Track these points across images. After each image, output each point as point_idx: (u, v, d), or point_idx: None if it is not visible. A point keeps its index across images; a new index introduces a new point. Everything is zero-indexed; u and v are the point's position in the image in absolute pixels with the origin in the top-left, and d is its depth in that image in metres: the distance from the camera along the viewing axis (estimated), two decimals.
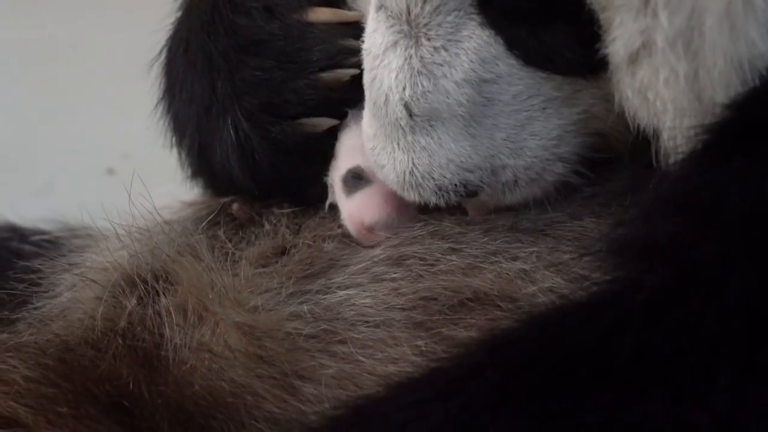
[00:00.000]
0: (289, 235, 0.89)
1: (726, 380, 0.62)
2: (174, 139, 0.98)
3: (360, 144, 0.86)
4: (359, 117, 0.86)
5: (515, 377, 0.65)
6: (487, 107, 0.80)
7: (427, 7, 0.79)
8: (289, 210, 0.91)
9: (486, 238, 0.83)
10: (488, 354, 0.68)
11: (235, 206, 0.92)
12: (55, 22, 2.29)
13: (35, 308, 0.88)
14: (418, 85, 0.79)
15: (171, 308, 0.81)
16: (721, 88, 0.70)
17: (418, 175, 0.81)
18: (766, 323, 0.62)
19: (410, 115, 0.80)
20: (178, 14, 0.99)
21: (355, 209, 0.86)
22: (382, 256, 0.84)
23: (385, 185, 0.84)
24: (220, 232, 0.89)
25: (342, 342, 0.79)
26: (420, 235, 0.85)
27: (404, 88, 0.79)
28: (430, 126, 0.80)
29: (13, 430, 0.78)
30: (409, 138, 0.80)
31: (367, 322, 0.80)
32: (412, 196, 0.82)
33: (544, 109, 0.81)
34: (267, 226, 0.90)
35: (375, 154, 0.83)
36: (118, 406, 0.78)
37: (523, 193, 0.82)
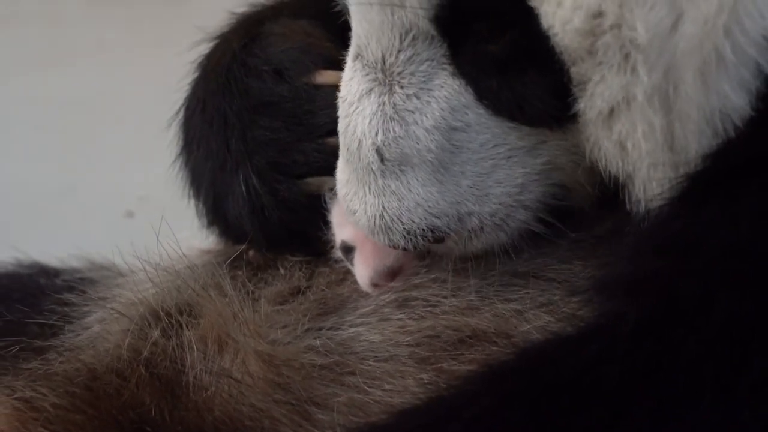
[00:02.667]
0: (304, 278, 0.91)
1: (709, 400, 0.64)
2: (191, 191, 1.00)
3: (339, 217, 0.89)
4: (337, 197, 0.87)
5: (508, 403, 0.67)
6: (455, 154, 0.80)
7: (402, 57, 0.79)
8: (301, 258, 0.92)
9: (482, 282, 0.85)
10: (484, 383, 0.70)
11: (251, 253, 0.94)
12: (77, 78, 2.36)
13: (66, 339, 0.90)
14: (390, 131, 0.79)
15: (193, 339, 0.83)
16: (695, 138, 0.72)
17: (387, 218, 0.81)
18: (745, 349, 0.65)
19: (382, 159, 0.80)
20: (195, 76, 1.01)
21: (357, 276, 0.88)
22: (389, 299, 0.87)
23: (367, 246, 0.86)
24: (240, 273, 0.91)
25: (352, 373, 0.81)
26: (423, 281, 0.87)
27: (377, 133, 0.79)
28: (401, 171, 0.80)
29: None
30: (380, 182, 0.80)
31: (376, 356, 0.82)
32: (381, 240, 0.82)
33: (509, 157, 0.81)
34: (282, 271, 0.91)
35: (347, 200, 0.83)
36: None
37: (488, 239, 0.82)
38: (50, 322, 0.93)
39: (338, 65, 0.89)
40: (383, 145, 0.80)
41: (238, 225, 0.94)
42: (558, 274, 0.83)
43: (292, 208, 0.91)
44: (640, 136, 0.73)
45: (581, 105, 0.76)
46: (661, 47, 0.71)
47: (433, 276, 0.87)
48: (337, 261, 0.92)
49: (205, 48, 1.02)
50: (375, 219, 0.81)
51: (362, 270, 0.88)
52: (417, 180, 0.80)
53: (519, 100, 0.78)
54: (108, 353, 0.86)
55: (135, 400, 0.82)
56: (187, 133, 1.00)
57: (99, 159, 1.96)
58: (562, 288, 0.82)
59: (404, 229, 0.81)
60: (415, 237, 0.81)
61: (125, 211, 1.72)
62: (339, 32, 0.88)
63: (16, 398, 0.83)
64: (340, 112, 0.83)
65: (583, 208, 0.84)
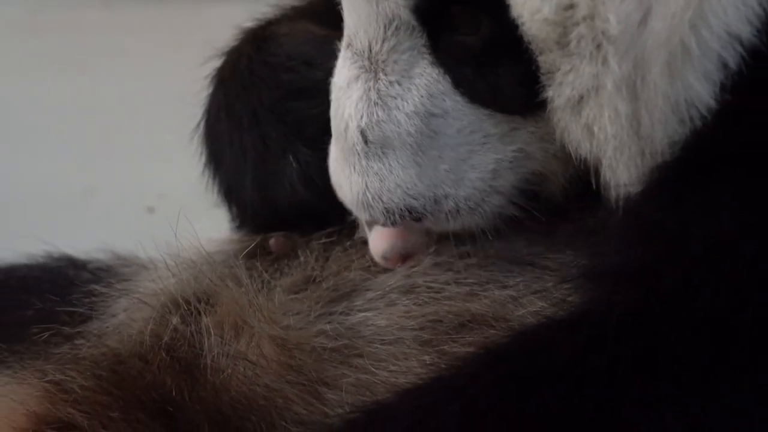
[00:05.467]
0: (318, 266, 0.92)
1: (693, 386, 0.65)
2: (229, 197, 1.00)
3: None
4: None
5: (504, 384, 0.69)
6: (433, 139, 0.82)
7: (386, 46, 0.81)
8: (321, 242, 0.93)
9: (481, 270, 0.87)
10: (481, 364, 0.72)
11: (272, 241, 0.95)
12: (98, 82, 2.38)
13: (93, 326, 0.92)
14: (373, 115, 0.81)
15: (210, 325, 0.85)
16: (660, 125, 0.73)
17: (369, 197, 0.83)
18: (727, 337, 0.67)
19: (365, 141, 0.82)
20: (211, 88, 1.02)
21: (372, 243, 0.90)
22: (395, 285, 0.88)
23: None
24: (257, 264, 0.92)
25: (360, 356, 0.83)
26: (427, 268, 0.89)
27: (362, 117, 0.81)
28: (383, 153, 0.82)
29: None
30: (364, 163, 0.82)
31: (382, 339, 0.84)
32: (363, 216, 0.85)
33: (483, 144, 0.82)
34: (301, 258, 0.93)
35: (336, 175, 0.86)
36: (163, 411, 0.81)
37: (464, 221, 0.84)
38: (78, 310, 0.95)
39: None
40: (367, 127, 0.82)
41: (293, 203, 0.94)
42: (552, 262, 0.85)
43: None
44: (607, 122, 0.74)
45: (549, 93, 0.77)
46: (632, 39, 0.72)
47: (436, 264, 0.88)
48: (351, 245, 0.92)
49: (216, 62, 1.04)
50: (358, 196, 0.83)
51: (380, 242, 0.89)
52: (398, 162, 0.82)
53: (492, 88, 0.80)
54: (131, 339, 0.89)
55: (157, 381, 0.83)
56: (212, 143, 1.01)
57: (120, 159, 1.99)
58: (555, 275, 0.83)
59: (384, 207, 0.83)
60: (394, 215, 0.83)
61: (146, 208, 1.74)
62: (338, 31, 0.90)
63: (47, 381, 0.85)
64: (332, 96, 0.85)
65: (556, 196, 0.86)
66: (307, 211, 0.94)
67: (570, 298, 0.75)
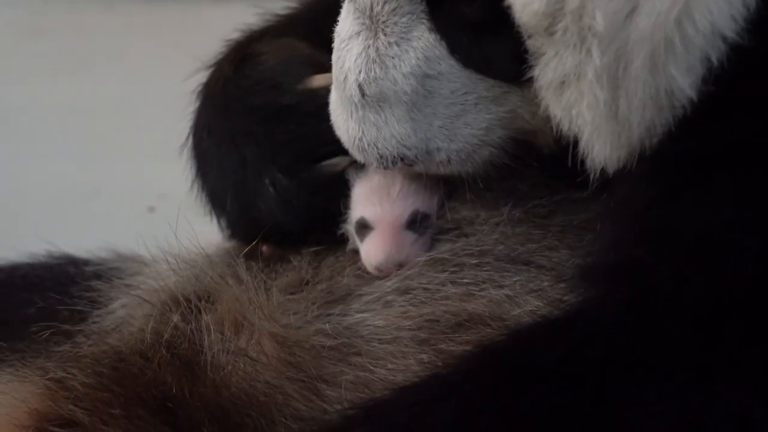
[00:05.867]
0: (311, 270, 0.93)
1: (683, 377, 0.66)
2: (214, 210, 1.02)
3: (363, 194, 0.91)
4: (364, 173, 0.92)
5: (499, 381, 0.70)
6: (428, 98, 0.85)
7: (386, 8, 0.84)
8: (311, 250, 0.95)
9: (477, 270, 0.87)
10: (478, 363, 0.73)
11: (264, 248, 0.96)
12: (101, 84, 2.39)
13: (93, 323, 0.93)
14: (371, 71, 0.84)
15: (211, 322, 0.86)
16: (638, 112, 0.75)
17: (365, 142, 0.86)
18: (718, 331, 0.67)
19: (363, 95, 0.85)
20: (196, 104, 1.03)
21: (365, 254, 0.91)
22: (392, 287, 0.89)
23: (387, 232, 0.89)
24: (254, 264, 0.93)
25: (358, 354, 0.84)
26: (423, 269, 0.89)
27: (360, 72, 0.84)
28: (379, 106, 0.85)
29: (72, 429, 0.82)
30: (360, 113, 0.85)
31: (380, 338, 0.85)
32: (359, 157, 0.88)
33: (476, 104, 0.85)
34: (294, 262, 0.94)
35: (335, 117, 0.88)
36: (164, 408, 0.82)
37: (455, 169, 0.88)
38: (79, 308, 0.95)
39: (325, 68, 0.93)
40: (365, 83, 0.85)
41: (271, 223, 0.96)
42: (547, 261, 0.85)
43: (316, 190, 0.94)
44: (585, 107, 0.77)
45: (536, 72, 0.80)
46: (616, 34, 0.74)
47: (431, 263, 0.89)
48: (344, 254, 0.93)
49: (202, 76, 1.05)
50: (355, 140, 0.87)
51: (374, 252, 0.90)
52: (393, 116, 0.85)
53: (486, 57, 0.83)
54: (132, 336, 0.89)
55: (158, 378, 0.84)
56: (198, 159, 1.03)
57: (122, 160, 2.00)
58: (550, 275, 0.84)
59: (378, 153, 0.86)
60: (387, 161, 0.86)
61: (147, 207, 1.76)
62: (324, 45, 0.92)
63: (48, 379, 0.85)
64: (335, 45, 0.88)
65: (546, 148, 0.88)
66: (287, 231, 0.96)
67: (566, 298, 0.77)
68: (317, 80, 0.96)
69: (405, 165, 0.87)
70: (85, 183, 1.91)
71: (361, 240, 0.91)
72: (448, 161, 0.87)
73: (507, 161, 0.88)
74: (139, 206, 1.76)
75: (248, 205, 0.97)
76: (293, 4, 1.10)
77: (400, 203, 0.90)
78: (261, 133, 0.96)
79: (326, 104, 0.92)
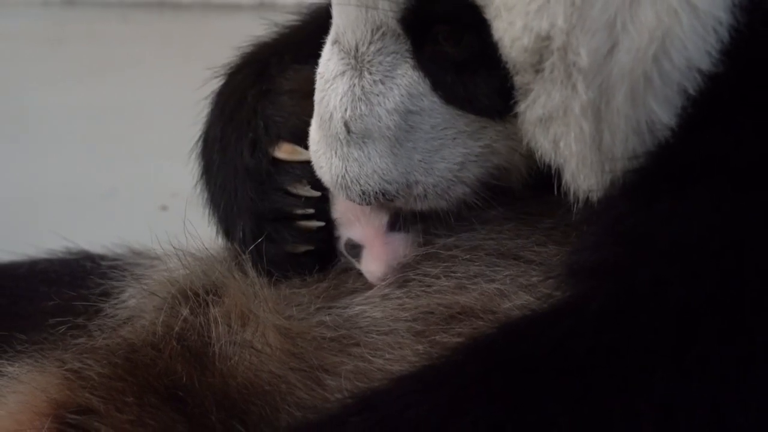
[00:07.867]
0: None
1: (662, 373, 0.67)
2: (210, 210, 1.03)
3: (340, 215, 0.92)
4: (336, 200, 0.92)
5: (490, 371, 0.70)
6: (410, 133, 0.85)
7: (372, 48, 0.84)
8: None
9: (469, 265, 0.88)
10: (470, 353, 0.73)
11: None
12: (117, 89, 2.39)
13: (107, 316, 0.94)
14: (357, 109, 0.84)
15: (218, 315, 0.86)
16: (621, 143, 0.77)
17: (348, 179, 0.86)
18: (690, 329, 0.68)
19: (348, 131, 0.85)
20: (210, 109, 1.03)
21: (365, 271, 0.91)
22: (390, 281, 0.89)
23: (377, 244, 0.90)
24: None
25: (357, 345, 0.84)
26: (419, 264, 0.90)
27: (346, 110, 0.84)
28: (363, 142, 0.85)
29: (88, 416, 0.83)
30: (345, 149, 0.85)
31: (378, 330, 0.85)
32: (341, 195, 0.88)
33: (454, 138, 0.86)
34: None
35: (317, 157, 0.88)
36: (174, 396, 0.83)
37: (431, 203, 0.88)
38: (94, 302, 0.96)
39: (302, 138, 0.92)
40: (350, 120, 0.85)
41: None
42: (536, 256, 0.86)
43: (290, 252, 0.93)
44: (572, 139, 0.78)
45: (522, 107, 0.80)
46: (599, 70, 0.75)
47: (426, 258, 0.89)
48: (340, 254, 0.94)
49: (214, 83, 1.05)
50: (338, 178, 0.87)
51: (372, 267, 0.90)
52: (376, 152, 0.85)
53: (469, 95, 0.83)
54: (144, 329, 0.90)
55: (168, 369, 0.85)
56: (204, 164, 1.04)
57: (137, 162, 2.02)
58: (539, 270, 0.84)
59: (361, 189, 0.86)
60: (369, 197, 0.87)
61: (160, 206, 1.77)
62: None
63: (66, 369, 0.87)
64: (317, 86, 0.88)
65: (516, 186, 0.89)
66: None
67: (553, 293, 0.77)
68: (282, 151, 0.95)
69: (385, 200, 0.87)
70: (102, 183, 1.93)
71: (355, 258, 0.92)
72: (425, 195, 0.87)
73: (476, 201, 0.88)
74: (153, 205, 1.77)
75: (229, 229, 0.97)
76: (298, 16, 1.09)
77: (374, 211, 0.90)
78: (240, 181, 0.96)
79: (277, 187, 0.93)
